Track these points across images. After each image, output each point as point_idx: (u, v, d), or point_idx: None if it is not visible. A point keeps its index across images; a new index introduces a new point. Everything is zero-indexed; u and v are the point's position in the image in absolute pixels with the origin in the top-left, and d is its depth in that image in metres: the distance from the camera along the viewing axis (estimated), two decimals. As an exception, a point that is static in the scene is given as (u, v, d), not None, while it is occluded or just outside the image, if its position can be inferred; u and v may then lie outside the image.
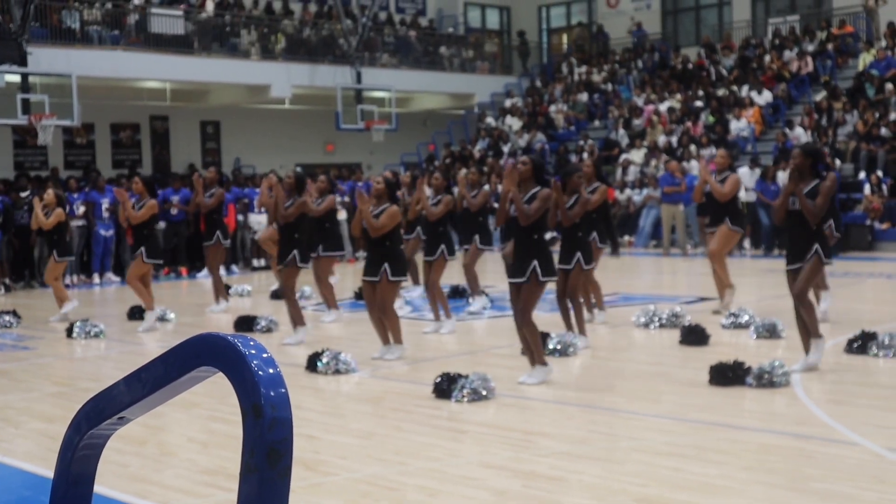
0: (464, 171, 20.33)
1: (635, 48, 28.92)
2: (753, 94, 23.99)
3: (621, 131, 25.10)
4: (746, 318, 10.27)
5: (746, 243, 19.11)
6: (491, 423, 6.77)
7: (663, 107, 24.91)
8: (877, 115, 21.21)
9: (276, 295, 13.61)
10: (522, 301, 7.70)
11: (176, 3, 23.67)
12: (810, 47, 25.08)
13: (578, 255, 9.32)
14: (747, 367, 7.59)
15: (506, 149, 25.95)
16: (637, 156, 23.54)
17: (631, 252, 20.17)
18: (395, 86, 25.68)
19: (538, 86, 29.23)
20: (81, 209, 17.21)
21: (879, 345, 8.62)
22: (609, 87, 27.68)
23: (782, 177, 18.29)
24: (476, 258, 11.87)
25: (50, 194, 12.53)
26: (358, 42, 25.28)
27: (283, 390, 1.35)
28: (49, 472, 5.43)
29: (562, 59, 30.42)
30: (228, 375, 1.37)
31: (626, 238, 21.09)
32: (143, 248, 11.29)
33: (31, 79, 19.42)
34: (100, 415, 1.56)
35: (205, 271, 16.53)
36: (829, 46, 24.83)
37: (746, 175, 19.30)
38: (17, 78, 19.36)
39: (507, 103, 28.28)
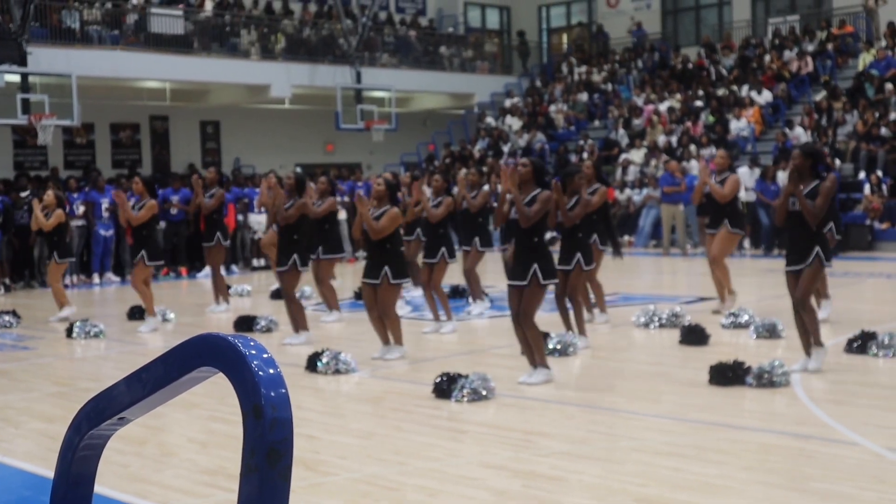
0: (463, 171, 20.34)
1: (635, 48, 28.93)
2: (753, 93, 23.99)
3: (621, 131, 25.11)
4: (746, 317, 10.27)
5: (746, 243, 19.10)
6: (491, 423, 6.77)
7: (663, 107, 24.91)
8: (877, 115, 21.21)
9: (276, 295, 13.61)
10: (524, 304, 7.69)
11: (175, 3, 23.66)
12: (810, 47, 25.08)
13: (578, 255, 9.32)
14: (747, 366, 7.59)
15: (506, 149, 25.95)
16: (637, 156, 23.54)
17: (631, 252, 20.17)
18: (395, 86, 25.68)
19: (538, 86, 29.23)
20: (81, 209, 17.21)
21: (879, 345, 8.62)
22: (609, 86, 27.68)
23: (782, 176, 18.29)
24: (477, 261, 11.82)
25: (50, 195, 12.53)
26: (358, 42, 25.28)
27: (283, 390, 1.35)
28: (49, 473, 5.44)
29: (562, 59, 30.43)
30: (229, 376, 1.37)
31: (626, 238, 21.09)
32: (144, 252, 11.26)
33: (30, 79, 19.43)
34: (100, 415, 1.56)
35: (205, 271, 16.53)
36: (829, 46, 24.83)
37: (746, 175, 19.30)
38: (16, 78, 19.37)
39: (507, 103, 28.28)
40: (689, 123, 23.76)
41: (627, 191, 22.31)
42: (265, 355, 1.37)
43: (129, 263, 14.98)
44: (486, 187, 13.43)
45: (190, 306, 13.93)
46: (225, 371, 1.38)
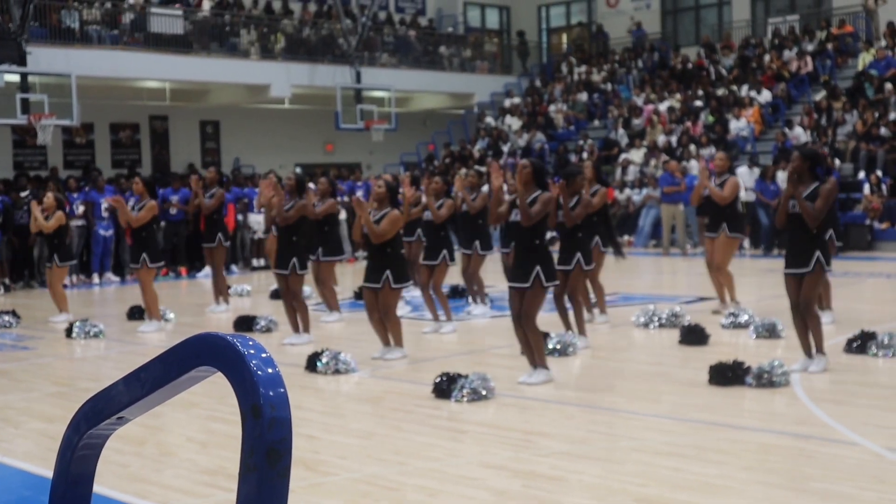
0: (463, 171, 20.33)
1: (635, 48, 28.92)
2: (753, 93, 24.00)
3: (621, 131, 25.11)
4: (746, 317, 10.27)
5: (746, 243, 19.10)
6: (491, 423, 6.76)
7: (663, 106, 24.91)
8: (876, 114, 21.21)
9: (275, 295, 13.60)
10: (526, 306, 7.68)
11: (172, 2, 23.65)
12: (810, 47, 25.09)
13: (578, 255, 9.32)
14: (747, 366, 7.59)
15: (505, 149, 25.95)
16: (636, 155, 23.54)
17: (630, 252, 20.16)
18: (395, 85, 25.68)
19: (538, 85, 29.23)
20: (81, 209, 17.20)
21: (879, 344, 8.62)
22: (609, 86, 27.68)
23: (781, 176, 18.29)
24: (479, 265, 11.79)
25: (49, 197, 12.50)
26: (357, 42, 25.28)
27: (282, 390, 1.34)
28: (49, 472, 5.42)
29: (561, 59, 30.43)
30: (227, 375, 1.37)
31: (626, 238, 21.09)
32: (145, 255, 11.23)
33: (30, 78, 19.42)
34: (99, 415, 1.56)
35: (205, 271, 16.52)
36: (829, 46, 24.84)
37: (745, 174, 19.30)
38: (16, 78, 19.36)
39: (507, 103, 28.28)
40: (688, 123, 23.76)
41: (627, 191, 22.30)
42: (264, 355, 1.37)
43: (128, 263, 14.95)
44: (485, 188, 13.41)
45: (190, 306, 13.93)
46: (224, 370, 1.38)
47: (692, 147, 22.24)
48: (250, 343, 1.38)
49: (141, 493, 5.32)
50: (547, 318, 10.25)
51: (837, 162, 20.26)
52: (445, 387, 7.39)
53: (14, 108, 18.76)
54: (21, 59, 19.12)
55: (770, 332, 9.62)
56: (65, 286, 13.09)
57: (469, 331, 11.07)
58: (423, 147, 28.01)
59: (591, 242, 9.89)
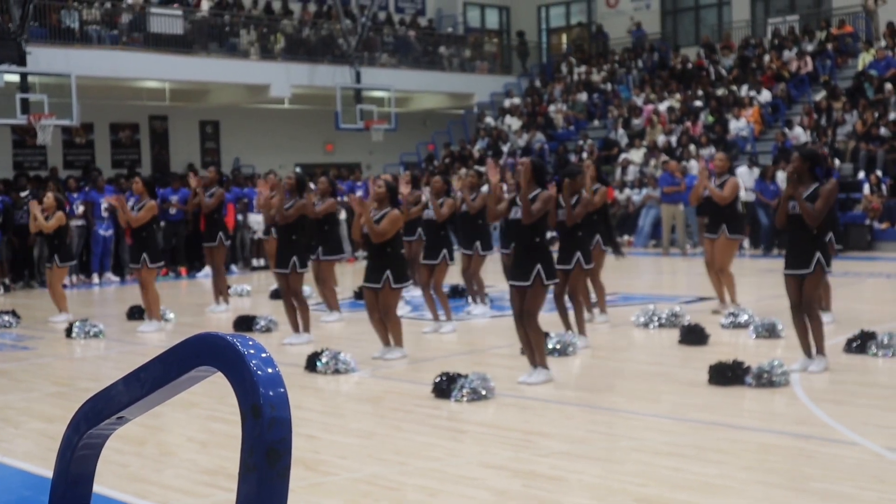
0: (463, 170, 20.33)
1: (635, 48, 28.93)
2: (753, 93, 24.00)
3: (621, 131, 25.10)
4: (746, 317, 10.27)
5: (746, 243, 19.10)
6: (491, 423, 6.76)
7: (663, 106, 24.91)
8: (876, 114, 21.22)
9: (275, 295, 13.60)
10: (528, 304, 7.68)
11: (171, 2, 23.64)
12: (810, 47, 25.09)
13: (578, 254, 9.32)
14: (747, 366, 7.59)
15: (505, 149, 25.95)
16: (636, 155, 23.54)
17: (630, 252, 20.16)
18: (395, 86, 25.68)
19: (537, 86, 29.23)
20: (81, 209, 17.20)
21: (879, 344, 8.62)
22: (608, 86, 27.68)
23: (781, 176, 18.29)
24: (480, 265, 11.79)
25: (49, 198, 12.50)
26: (357, 42, 25.28)
27: (282, 390, 1.34)
28: (49, 472, 5.42)
29: (561, 59, 30.43)
30: (227, 375, 1.37)
31: (626, 238, 21.09)
32: (145, 255, 11.23)
33: (30, 78, 19.42)
34: (98, 415, 1.56)
35: (204, 271, 16.52)
36: (829, 46, 24.84)
37: (745, 174, 19.30)
38: (16, 78, 19.35)
39: (507, 103, 28.28)
40: (688, 123, 23.76)
41: (627, 191, 22.30)
42: (264, 354, 1.37)
43: (128, 263, 14.94)
44: (484, 188, 13.41)
45: (190, 306, 13.93)
46: (223, 370, 1.38)
47: (692, 147, 22.24)
48: (250, 343, 1.38)
49: (141, 493, 5.32)
50: (547, 318, 10.25)
51: (837, 162, 20.26)
52: (445, 387, 7.39)
53: (14, 108, 18.76)
54: (21, 59, 19.12)
55: (770, 331, 9.62)
56: (64, 286, 13.10)
57: (469, 331, 11.07)
58: (422, 147, 28.01)
59: (591, 242, 9.90)
